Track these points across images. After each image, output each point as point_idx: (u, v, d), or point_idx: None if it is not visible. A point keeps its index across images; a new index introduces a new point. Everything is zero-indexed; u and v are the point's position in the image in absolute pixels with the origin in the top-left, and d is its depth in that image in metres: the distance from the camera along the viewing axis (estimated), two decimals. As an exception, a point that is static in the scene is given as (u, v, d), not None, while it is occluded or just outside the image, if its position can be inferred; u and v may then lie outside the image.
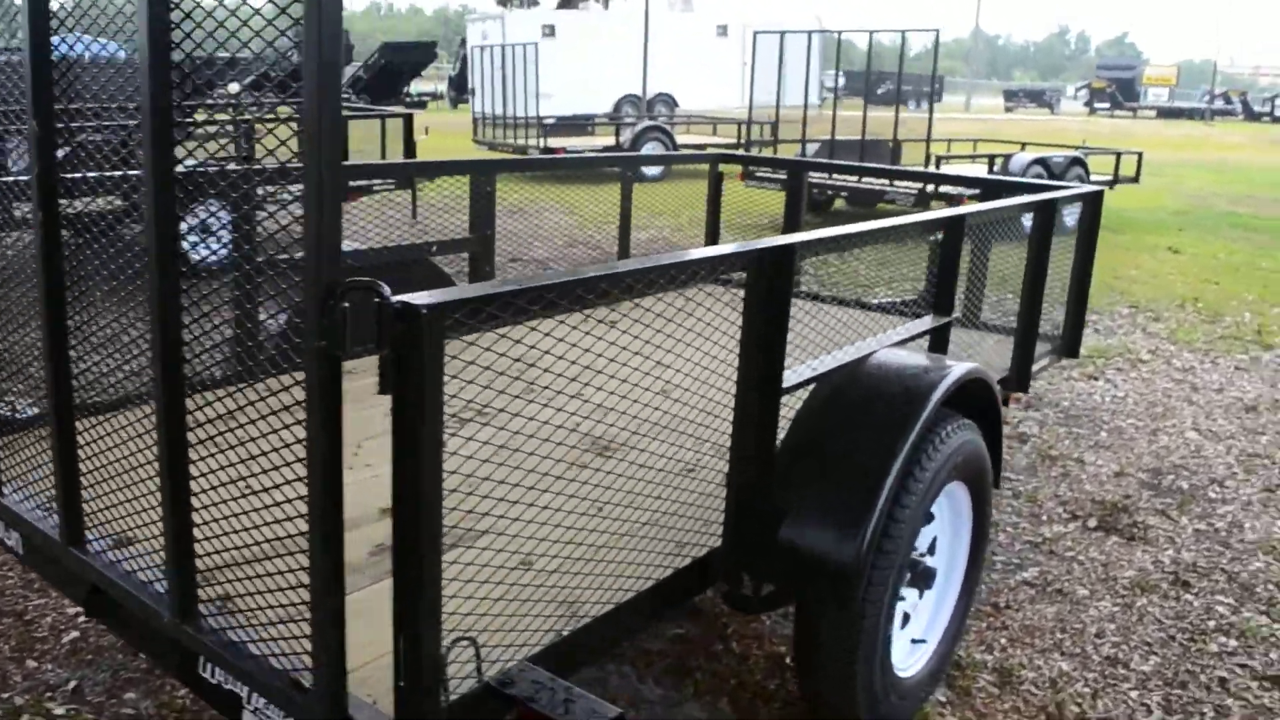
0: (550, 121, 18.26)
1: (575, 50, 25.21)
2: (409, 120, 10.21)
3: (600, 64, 25.38)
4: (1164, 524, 4.44)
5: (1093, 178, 11.40)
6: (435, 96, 34.48)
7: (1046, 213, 3.94)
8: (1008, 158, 10.79)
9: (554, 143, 16.07)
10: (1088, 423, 5.70)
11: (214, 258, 1.94)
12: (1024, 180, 4.64)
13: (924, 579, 2.86)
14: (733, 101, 25.16)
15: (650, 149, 16.24)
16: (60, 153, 2.03)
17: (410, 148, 10.27)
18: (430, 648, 1.67)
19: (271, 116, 1.87)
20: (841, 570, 2.38)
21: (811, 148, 12.57)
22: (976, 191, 5.02)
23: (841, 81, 14.18)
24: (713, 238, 5.60)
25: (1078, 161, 11.37)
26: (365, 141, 10.59)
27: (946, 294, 3.23)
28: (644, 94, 24.49)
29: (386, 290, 1.53)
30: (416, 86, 37.18)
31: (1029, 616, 3.65)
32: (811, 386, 2.62)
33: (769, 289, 2.31)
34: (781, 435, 2.54)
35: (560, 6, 35.47)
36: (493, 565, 1.82)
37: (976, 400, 2.98)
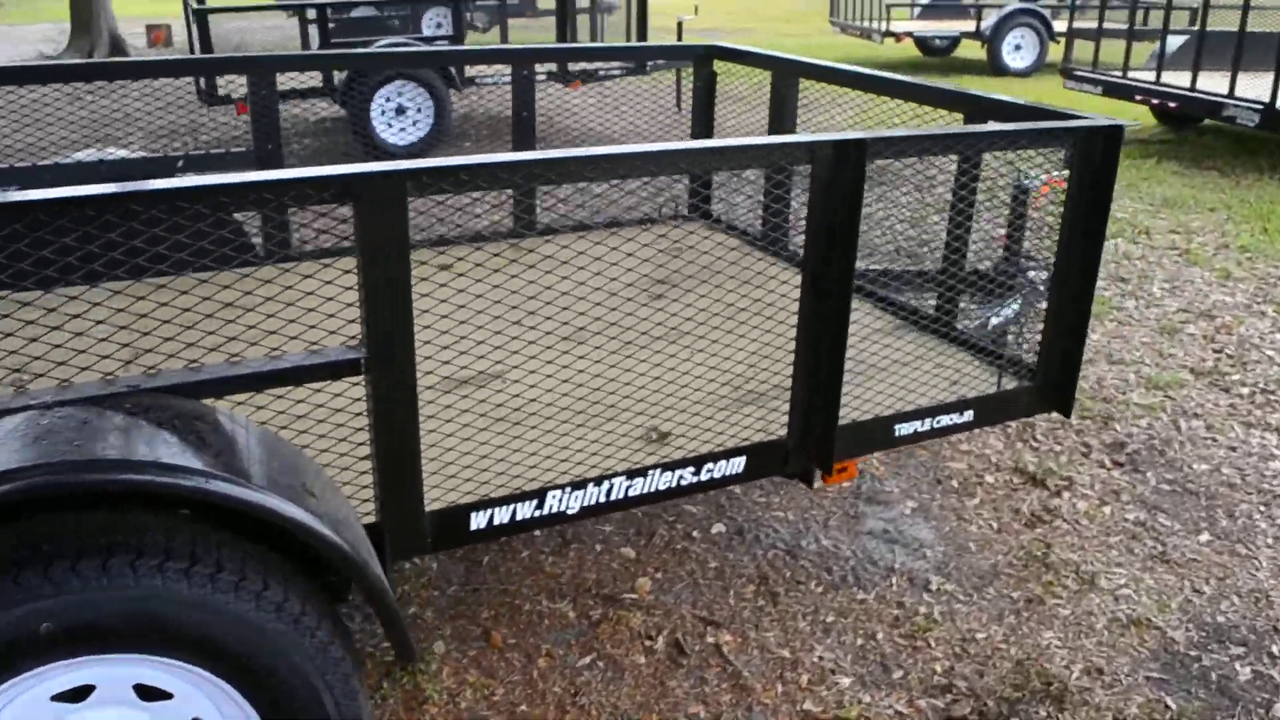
0: (924, 2, 16.01)
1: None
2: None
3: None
4: None
5: None
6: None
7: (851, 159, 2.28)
8: None
9: (901, 27, 14.06)
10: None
11: None
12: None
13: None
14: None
15: (1017, 36, 13.67)
16: None
17: (643, 30, 9.38)
18: None
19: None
20: None
21: (1177, 41, 9.60)
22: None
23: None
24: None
25: None
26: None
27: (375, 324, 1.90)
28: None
29: None
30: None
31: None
32: None
33: None
34: None
35: None
36: None
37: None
